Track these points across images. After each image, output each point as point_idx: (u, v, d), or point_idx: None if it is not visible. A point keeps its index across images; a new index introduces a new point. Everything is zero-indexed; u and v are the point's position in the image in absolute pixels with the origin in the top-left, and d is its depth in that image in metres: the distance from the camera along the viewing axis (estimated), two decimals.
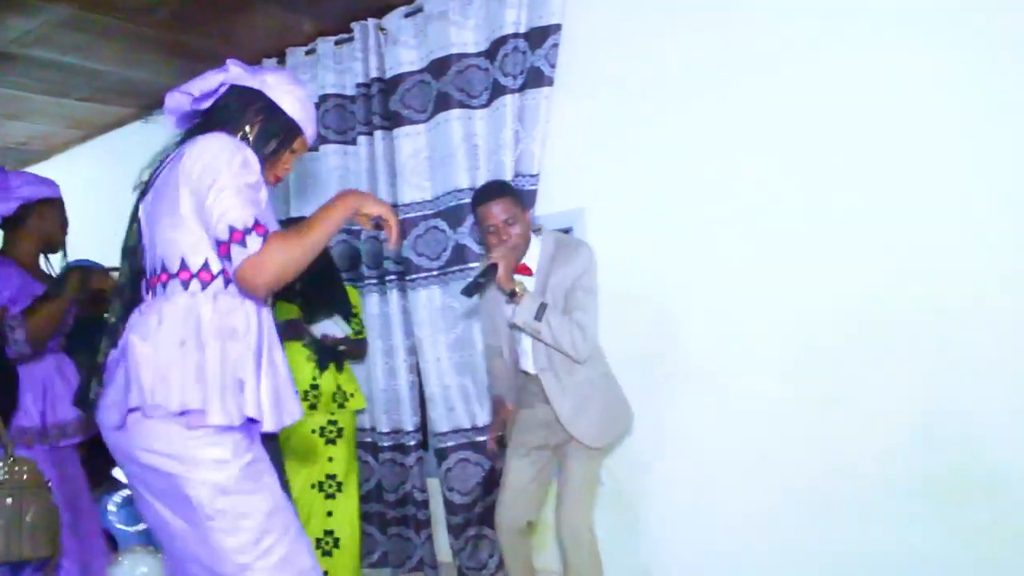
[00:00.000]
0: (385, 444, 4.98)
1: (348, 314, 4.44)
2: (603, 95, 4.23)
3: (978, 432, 3.23)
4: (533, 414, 3.71)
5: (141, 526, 2.77)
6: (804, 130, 3.59)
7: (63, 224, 3.64)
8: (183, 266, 2.21)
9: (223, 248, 2.10)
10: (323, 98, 5.12)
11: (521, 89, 4.32)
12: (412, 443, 4.87)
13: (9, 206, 3.45)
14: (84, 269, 3.45)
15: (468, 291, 3.48)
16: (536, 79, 4.25)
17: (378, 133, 4.87)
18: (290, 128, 2.47)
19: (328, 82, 5.13)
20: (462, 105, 4.53)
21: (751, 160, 3.74)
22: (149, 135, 6.45)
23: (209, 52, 5.13)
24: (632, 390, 3.86)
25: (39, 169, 7.29)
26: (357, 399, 4.50)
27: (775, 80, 3.67)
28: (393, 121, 4.81)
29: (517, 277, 3.47)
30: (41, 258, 3.62)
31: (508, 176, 4.32)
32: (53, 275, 3.60)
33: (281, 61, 5.44)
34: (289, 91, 2.44)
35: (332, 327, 4.30)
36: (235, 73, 2.41)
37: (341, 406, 4.40)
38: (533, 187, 4.31)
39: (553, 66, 4.24)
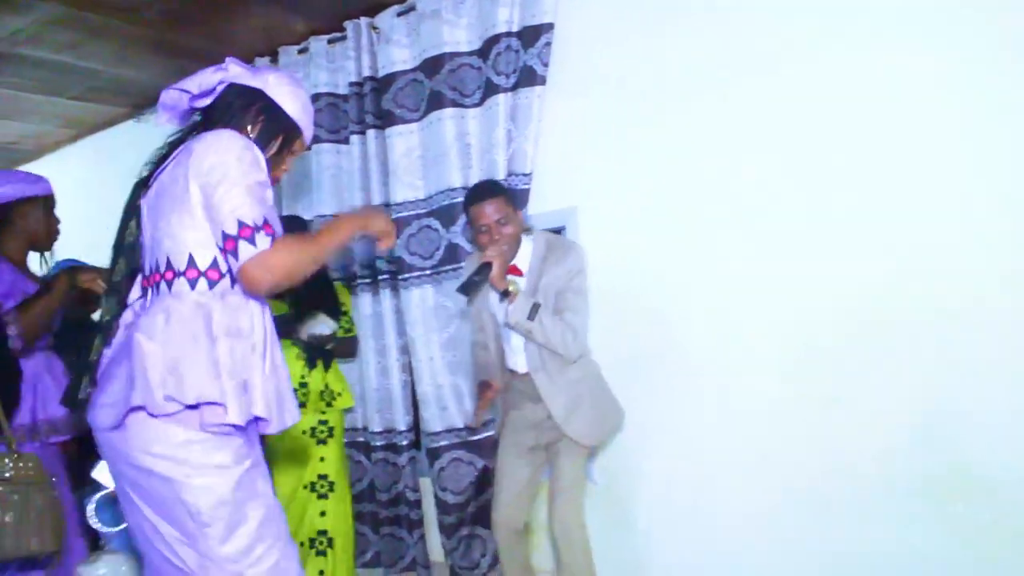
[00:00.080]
0: (378, 443, 4.91)
1: (337, 312, 4.38)
2: (596, 94, 4.18)
3: (978, 432, 3.19)
4: (522, 415, 3.69)
5: (123, 526, 2.72)
6: (803, 130, 3.55)
7: (50, 222, 3.56)
8: (191, 264, 2.15)
9: (230, 242, 2.05)
10: (316, 97, 5.04)
11: (514, 88, 4.26)
12: (405, 442, 4.81)
13: None
14: (73, 268, 3.38)
15: (463, 290, 3.46)
16: (529, 78, 4.19)
17: (371, 132, 4.80)
18: (291, 129, 2.44)
19: (321, 81, 5.07)
20: (455, 104, 4.47)
21: (747, 159, 3.69)
22: (141, 134, 6.37)
23: (201, 51, 5.06)
24: (628, 390, 3.86)
25: (30, 168, 7.20)
26: (345, 398, 4.45)
27: (773, 80, 3.62)
28: (386, 120, 4.75)
29: (509, 277, 3.45)
30: (36, 256, 3.55)
31: (501, 175, 4.27)
32: (40, 275, 3.53)
33: (274, 60, 5.37)
34: (291, 92, 2.41)
35: (318, 325, 4.23)
36: (235, 72, 2.37)
37: (329, 404, 4.35)
38: (526, 186, 4.25)
39: (546, 65, 4.18)
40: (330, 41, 5.06)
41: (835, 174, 3.47)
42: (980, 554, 3.19)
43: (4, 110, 6.26)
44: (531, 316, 3.35)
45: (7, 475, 2.83)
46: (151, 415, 2.05)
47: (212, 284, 2.17)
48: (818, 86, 3.49)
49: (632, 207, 4.06)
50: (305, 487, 4.26)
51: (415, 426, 4.88)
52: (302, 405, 4.21)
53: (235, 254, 2.04)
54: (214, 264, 2.16)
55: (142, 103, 6.25)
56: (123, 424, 2.07)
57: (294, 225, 4.25)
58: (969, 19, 3.16)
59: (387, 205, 4.76)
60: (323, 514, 4.29)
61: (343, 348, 4.59)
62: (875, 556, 3.41)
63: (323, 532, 4.28)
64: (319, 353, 4.34)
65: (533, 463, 3.73)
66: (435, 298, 4.61)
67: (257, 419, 2.18)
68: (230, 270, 2.17)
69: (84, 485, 3.44)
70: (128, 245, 2.32)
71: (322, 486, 4.29)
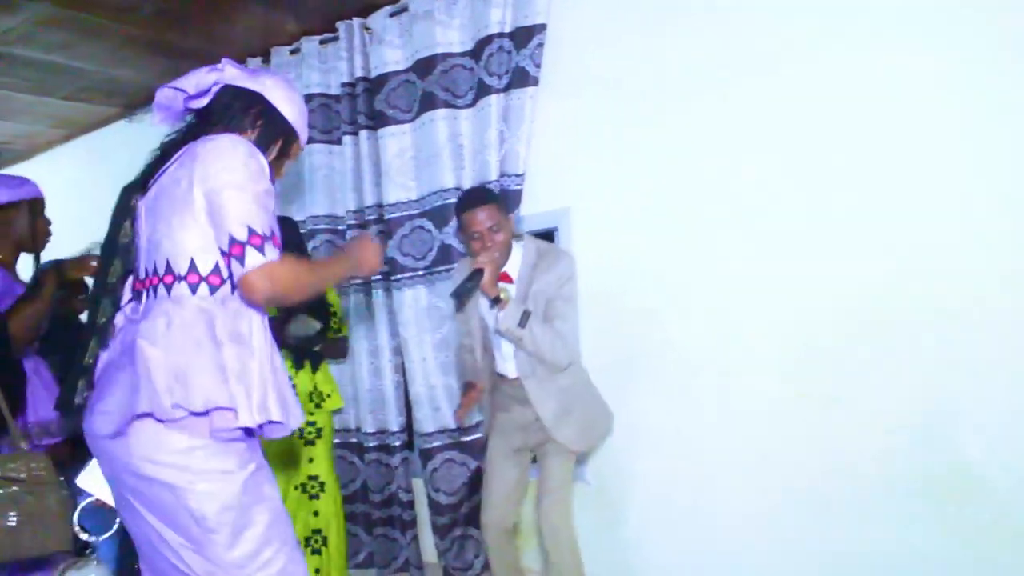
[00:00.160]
0: (370, 444, 4.87)
1: (325, 313, 4.32)
2: (588, 95, 4.13)
3: (978, 432, 3.16)
4: (510, 417, 3.67)
5: (108, 535, 2.68)
6: (801, 130, 3.52)
7: (38, 225, 3.47)
8: (192, 268, 2.09)
9: (238, 248, 2.01)
10: (308, 97, 4.97)
11: (506, 89, 4.21)
12: (397, 443, 4.76)
13: None
14: (58, 263, 3.31)
15: (455, 296, 3.46)
16: (521, 79, 4.14)
17: (363, 133, 4.75)
18: (289, 133, 2.40)
19: (313, 81, 5.00)
20: (447, 105, 4.41)
21: (743, 159, 3.66)
22: (133, 135, 6.33)
23: (194, 51, 5.02)
24: (623, 391, 3.89)
25: (22, 169, 7.16)
26: (334, 399, 4.38)
27: (769, 80, 3.58)
28: (378, 121, 4.68)
29: (500, 284, 3.43)
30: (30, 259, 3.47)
31: (493, 176, 4.23)
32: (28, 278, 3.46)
33: (266, 60, 5.32)
34: (288, 96, 2.37)
35: (301, 326, 4.17)
36: (231, 73, 2.31)
37: (318, 406, 4.28)
38: (518, 187, 4.20)
39: (538, 66, 4.14)
40: (322, 42, 4.99)
41: (834, 174, 3.43)
42: (980, 554, 3.16)
43: None
44: (521, 323, 3.33)
45: (22, 476, 2.77)
46: (158, 421, 1.99)
47: (213, 289, 2.11)
48: (817, 86, 3.46)
49: (625, 208, 4.03)
50: (296, 488, 4.21)
51: (408, 427, 4.84)
52: None
53: (241, 260, 2.00)
54: (215, 269, 2.11)
55: (134, 103, 6.18)
56: (124, 432, 2.02)
57: (286, 227, 4.18)
58: (969, 19, 3.12)
59: (379, 206, 4.72)
60: (316, 514, 4.24)
61: (332, 349, 4.54)
62: (875, 556, 3.39)
63: (317, 531, 4.23)
64: (306, 354, 4.27)
65: (521, 464, 3.72)
66: (428, 299, 4.56)
67: (266, 423, 2.12)
68: (231, 276, 2.11)
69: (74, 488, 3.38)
70: (123, 246, 2.25)
71: (313, 487, 4.24)
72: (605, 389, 3.89)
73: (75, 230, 4.36)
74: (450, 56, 4.40)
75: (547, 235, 4.37)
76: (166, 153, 2.27)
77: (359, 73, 4.74)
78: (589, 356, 4.08)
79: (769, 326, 3.62)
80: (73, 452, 3.50)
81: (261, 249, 2.01)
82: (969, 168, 3.15)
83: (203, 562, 2.04)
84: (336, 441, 4.99)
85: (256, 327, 2.14)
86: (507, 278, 3.51)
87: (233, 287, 2.11)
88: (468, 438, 4.45)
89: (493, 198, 3.52)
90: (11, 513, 2.69)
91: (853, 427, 3.41)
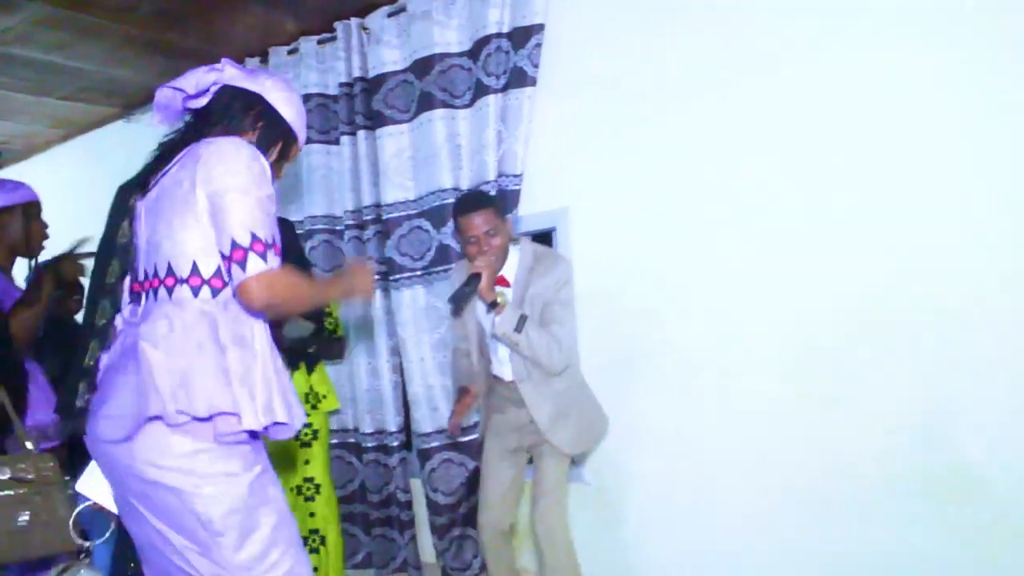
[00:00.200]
0: (368, 445, 4.85)
1: (320, 313, 4.28)
2: (586, 95, 4.12)
3: (978, 432, 3.15)
4: (505, 419, 3.67)
5: (103, 539, 2.67)
6: (801, 130, 3.50)
7: (33, 229, 3.45)
8: (194, 271, 2.06)
9: (239, 252, 1.98)
10: (306, 98, 4.94)
11: (504, 89, 4.20)
12: (395, 444, 4.74)
13: None
14: (53, 266, 3.30)
15: (454, 301, 3.44)
16: (519, 79, 4.13)
17: (361, 133, 4.72)
18: (288, 135, 2.37)
19: (311, 81, 4.98)
20: (445, 105, 4.39)
21: (743, 159, 3.65)
22: (131, 135, 6.30)
23: (192, 51, 4.99)
24: (622, 391, 3.91)
25: (19, 169, 7.14)
26: (330, 400, 4.34)
27: (769, 80, 3.57)
28: (376, 121, 4.66)
29: (497, 288, 3.43)
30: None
31: (491, 176, 4.21)
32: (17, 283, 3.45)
33: (264, 60, 5.30)
34: (288, 98, 2.35)
35: (293, 327, 4.14)
36: (231, 74, 2.29)
37: (314, 407, 4.25)
38: (516, 187, 4.19)
39: (536, 66, 4.12)
40: (320, 42, 4.97)
41: (834, 174, 3.42)
42: (980, 554, 3.15)
43: None
44: (518, 328, 3.32)
45: (31, 476, 2.76)
46: (167, 425, 1.97)
47: (216, 292, 2.08)
48: (817, 86, 3.45)
49: (624, 207, 4.01)
50: (292, 490, 4.19)
51: (406, 427, 4.81)
52: None
53: (243, 266, 1.98)
54: (218, 272, 2.08)
55: (132, 103, 6.16)
56: (133, 437, 1.99)
57: (283, 228, 4.15)
58: (969, 19, 3.11)
59: (377, 206, 4.70)
60: (312, 515, 4.21)
61: (329, 350, 4.50)
62: (875, 556, 3.37)
63: (315, 531, 4.21)
64: (300, 356, 4.24)
65: (517, 465, 3.72)
66: (426, 299, 4.54)
67: (272, 424, 2.11)
68: (231, 280, 2.09)
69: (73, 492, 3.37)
70: (121, 246, 2.22)
71: (308, 488, 4.21)
72: (605, 389, 3.88)
73: (73, 230, 4.33)
74: (448, 56, 4.38)
75: (545, 235, 4.36)
76: (165, 154, 2.24)
77: (357, 73, 4.72)
78: (588, 356, 4.07)
79: (769, 326, 3.60)
80: (70, 456, 3.49)
81: (263, 256, 1.99)
82: (969, 168, 3.13)
83: (210, 565, 2.03)
84: (334, 441, 4.98)
85: (258, 330, 2.12)
86: (504, 282, 3.50)
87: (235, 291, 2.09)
88: (466, 438, 4.42)
89: (490, 202, 3.51)
90: (22, 514, 2.68)
91: (853, 427, 3.39)
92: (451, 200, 4.25)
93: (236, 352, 2.02)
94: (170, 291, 2.07)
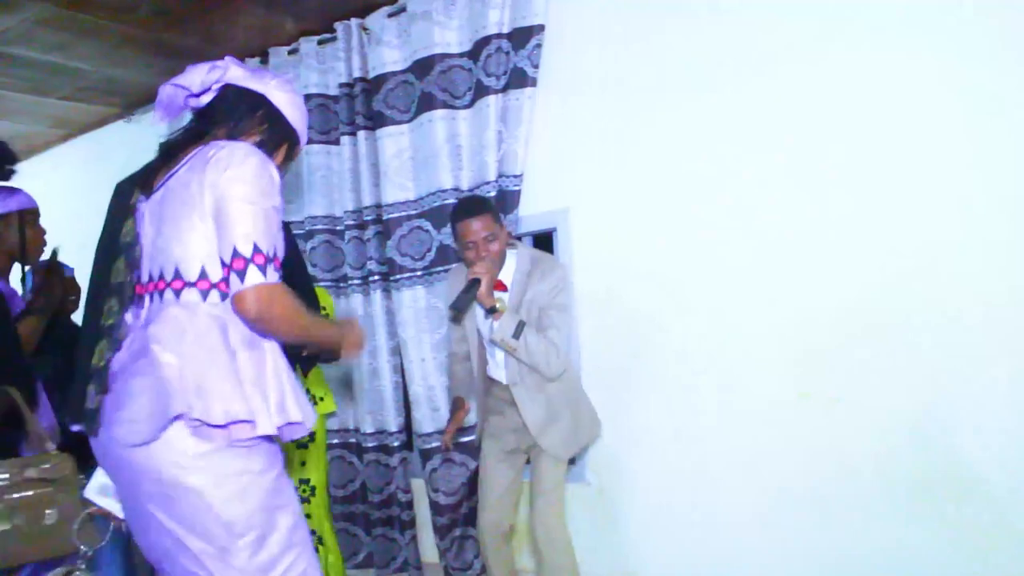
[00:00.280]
0: (369, 445, 4.85)
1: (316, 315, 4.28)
2: (587, 95, 4.12)
3: (977, 432, 3.16)
4: (503, 420, 3.67)
5: (101, 543, 2.67)
6: (801, 130, 3.51)
7: (29, 235, 3.44)
8: (202, 275, 2.04)
9: (240, 262, 1.96)
10: (306, 98, 4.93)
11: (504, 89, 4.20)
12: (396, 444, 4.74)
13: None
14: (61, 279, 3.32)
15: (456, 308, 3.46)
16: (519, 79, 4.13)
17: (361, 133, 4.72)
18: (292, 136, 2.35)
19: (311, 82, 4.98)
20: (445, 105, 4.39)
21: (742, 159, 3.66)
22: (132, 135, 6.31)
23: (192, 51, 4.99)
24: (623, 391, 3.93)
25: (20, 169, 7.10)
26: (327, 403, 4.34)
27: (766, 80, 3.58)
28: (376, 121, 4.66)
29: (495, 294, 3.42)
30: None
31: (491, 177, 4.22)
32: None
33: (264, 60, 5.29)
34: (291, 99, 2.32)
35: None
36: (235, 73, 2.26)
37: None
38: (517, 188, 4.19)
39: (536, 66, 4.12)
40: (320, 42, 4.97)
41: (835, 174, 3.43)
42: (979, 554, 3.16)
43: None
44: (516, 334, 3.32)
45: (55, 476, 2.75)
46: (188, 424, 1.96)
47: (224, 296, 2.06)
48: (817, 86, 3.46)
49: (624, 208, 4.01)
50: None
51: (407, 427, 4.82)
52: None
53: (241, 276, 1.95)
54: (226, 277, 2.04)
55: (132, 103, 6.16)
56: (158, 436, 1.96)
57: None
58: (969, 19, 3.12)
59: (378, 206, 4.70)
60: (308, 516, 4.20)
61: (326, 352, 4.45)
62: (875, 556, 3.38)
63: (312, 532, 4.18)
64: (295, 358, 4.21)
65: (515, 466, 3.72)
66: (427, 299, 4.54)
67: (285, 424, 2.09)
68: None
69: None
70: (126, 245, 2.18)
71: (304, 490, 4.21)
72: (605, 389, 3.91)
73: (74, 230, 4.35)
74: (448, 57, 4.38)
75: (546, 236, 4.36)
76: (170, 154, 2.21)
77: (357, 73, 4.72)
78: (589, 356, 4.09)
79: (770, 326, 3.61)
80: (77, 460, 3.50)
81: (263, 269, 1.97)
82: (969, 168, 3.14)
83: (225, 569, 2.00)
84: (335, 442, 5.00)
85: None
86: (502, 286, 3.50)
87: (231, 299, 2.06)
88: (466, 438, 4.42)
89: (488, 208, 3.49)
90: (49, 511, 2.68)
91: (853, 427, 3.40)
92: (451, 200, 4.26)
93: (246, 354, 2.02)
94: (177, 294, 2.05)
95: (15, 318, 3.16)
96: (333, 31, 4.83)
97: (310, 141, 4.90)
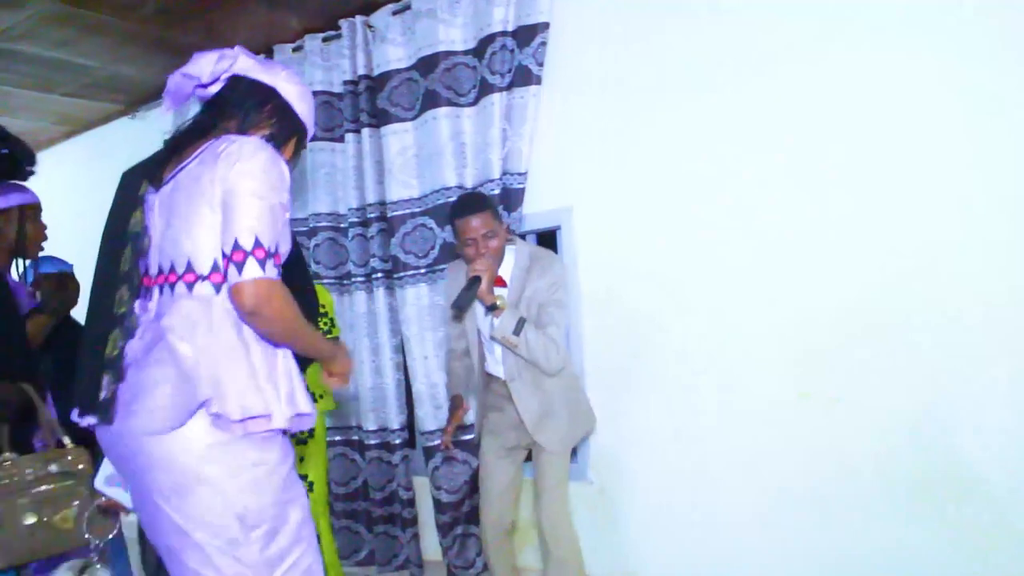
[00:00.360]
0: (372, 442, 4.88)
1: (315, 313, 4.30)
2: (591, 93, 4.14)
3: (977, 432, 3.18)
4: (503, 416, 3.70)
5: (111, 535, 2.70)
6: (802, 130, 3.53)
7: (28, 231, 3.47)
8: (215, 268, 2.03)
9: (240, 254, 1.94)
10: None
11: (509, 87, 4.22)
12: (398, 441, 4.77)
13: None
14: (77, 284, 3.37)
15: (458, 307, 3.47)
16: (524, 77, 4.15)
17: (365, 131, 4.76)
18: (301, 131, 2.34)
19: (316, 79, 5.00)
20: (450, 103, 4.42)
21: (746, 159, 3.68)
22: (136, 131, 6.34)
23: (196, 48, 4.72)
24: (625, 390, 3.96)
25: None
26: (327, 400, 4.34)
27: (771, 80, 3.60)
28: (380, 119, 4.69)
29: (495, 290, 3.44)
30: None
31: (496, 175, 4.24)
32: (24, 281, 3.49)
33: (268, 57, 5.28)
34: (301, 92, 2.30)
35: None
36: (245, 64, 2.23)
37: None
38: (521, 186, 4.21)
39: (541, 64, 4.14)
40: (325, 39, 5.00)
41: (835, 174, 3.45)
42: (979, 554, 3.18)
43: None
44: (517, 331, 3.34)
45: (74, 470, 2.80)
46: (208, 414, 1.96)
47: None
48: (818, 86, 3.48)
49: (628, 206, 4.03)
50: None
51: (409, 425, 4.84)
52: None
53: (239, 268, 1.93)
54: (224, 268, 2.02)
55: (137, 100, 6.20)
56: (184, 421, 1.96)
57: None
58: (969, 19, 3.14)
59: (382, 204, 4.73)
60: None
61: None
62: (875, 556, 3.40)
63: None
64: (294, 355, 4.24)
65: (515, 462, 3.74)
66: (430, 296, 4.57)
67: (295, 416, 2.10)
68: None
69: None
70: (134, 235, 2.17)
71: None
72: (605, 389, 3.94)
73: (77, 226, 4.38)
74: (453, 54, 4.40)
75: (550, 234, 4.39)
76: (179, 147, 2.18)
77: (362, 71, 4.74)
78: (591, 355, 4.11)
79: (769, 326, 3.63)
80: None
81: (262, 264, 1.94)
82: (969, 168, 3.16)
83: (233, 563, 1.99)
84: (337, 439, 5.03)
85: None
86: (501, 282, 3.52)
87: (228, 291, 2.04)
88: (467, 437, 4.45)
89: (487, 204, 3.50)
90: (73, 506, 2.72)
91: (853, 427, 3.42)
92: (456, 198, 4.27)
93: (259, 348, 2.03)
94: (189, 287, 2.04)
95: (25, 315, 3.21)
96: (338, 28, 4.85)
97: (315, 138, 4.91)
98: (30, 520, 2.73)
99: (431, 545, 4.74)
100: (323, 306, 4.39)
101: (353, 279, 4.90)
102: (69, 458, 2.80)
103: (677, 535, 3.93)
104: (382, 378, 4.79)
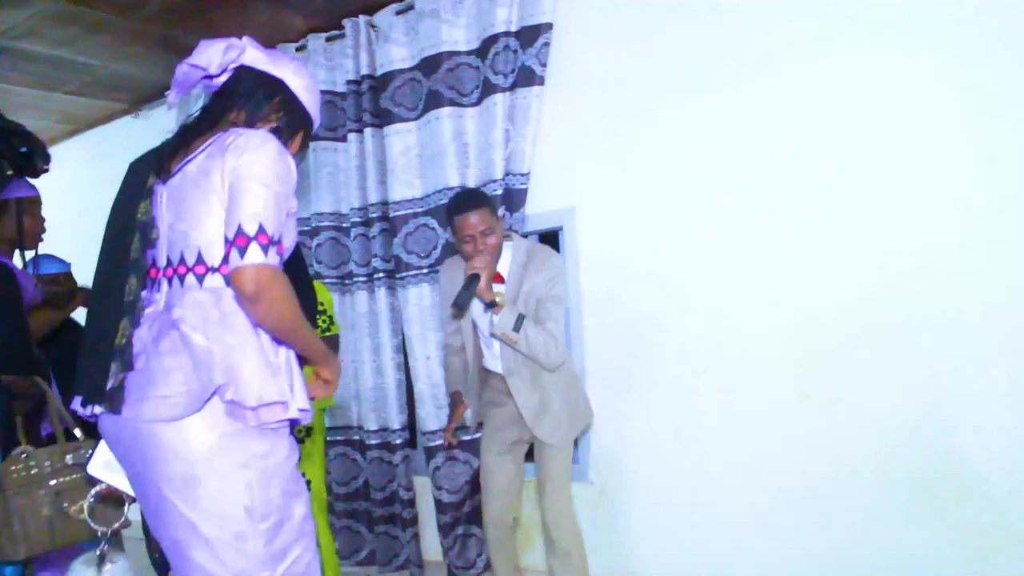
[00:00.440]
0: (372, 442, 4.90)
1: (313, 311, 4.32)
2: (594, 94, 4.16)
3: (977, 432, 3.20)
4: (503, 411, 3.72)
5: (117, 524, 2.72)
6: (803, 130, 3.55)
7: (26, 224, 3.50)
8: (225, 261, 2.03)
9: (243, 239, 1.94)
10: None
11: (512, 88, 4.25)
12: (399, 441, 4.79)
13: None
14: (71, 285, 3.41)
15: (458, 306, 3.50)
16: (527, 78, 4.18)
17: (368, 130, 4.78)
18: (308, 124, 2.35)
19: (319, 79, 5.02)
20: (453, 103, 4.45)
21: (748, 159, 3.70)
22: (139, 130, 6.37)
23: None
24: (626, 390, 3.98)
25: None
26: (326, 397, 4.35)
27: (773, 80, 3.62)
28: (383, 119, 4.72)
29: (494, 287, 3.46)
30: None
31: (498, 175, 4.27)
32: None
33: None
34: (308, 85, 2.31)
35: None
36: (253, 56, 2.24)
37: None
38: (523, 186, 4.24)
39: (544, 65, 4.17)
40: (328, 39, 5.03)
41: (834, 174, 3.47)
42: (979, 554, 3.19)
43: (0, 104, 6.13)
44: (516, 327, 3.36)
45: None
46: (222, 401, 1.98)
47: None
48: (818, 86, 3.50)
49: (631, 207, 4.05)
50: None
51: (410, 425, 4.86)
52: None
53: (241, 252, 1.93)
54: (227, 254, 2.01)
55: (139, 99, 6.24)
56: (199, 408, 1.97)
57: None
58: (969, 19, 3.16)
59: (384, 203, 4.76)
60: None
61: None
62: (875, 556, 3.42)
63: None
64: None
65: (517, 458, 3.77)
66: (432, 297, 4.59)
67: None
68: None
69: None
70: (142, 224, 2.17)
71: None
72: (605, 389, 3.97)
73: (80, 224, 4.42)
74: (456, 54, 4.43)
75: (552, 235, 4.42)
76: (188, 138, 2.18)
77: (365, 71, 4.77)
78: (592, 355, 4.14)
79: (769, 326, 3.65)
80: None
81: (265, 249, 1.94)
82: (969, 168, 3.18)
83: (238, 557, 1.99)
84: (339, 438, 5.06)
85: None
86: (500, 278, 3.54)
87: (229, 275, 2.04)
88: (469, 437, 4.47)
89: (485, 201, 3.52)
90: (89, 497, 2.76)
91: (853, 427, 3.44)
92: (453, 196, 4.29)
93: (268, 338, 2.05)
94: (200, 279, 2.06)
95: (34, 307, 3.24)
96: (341, 28, 4.88)
97: (317, 138, 4.97)
98: (48, 511, 2.79)
99: (431, 545, 4.76)
100: (321, 303, 4.40)
101: (355, 279, 4.93)
102: (83, 451, 2.83)
103: (677, 535, 3.95)
104: (383, 378, 4.81)
